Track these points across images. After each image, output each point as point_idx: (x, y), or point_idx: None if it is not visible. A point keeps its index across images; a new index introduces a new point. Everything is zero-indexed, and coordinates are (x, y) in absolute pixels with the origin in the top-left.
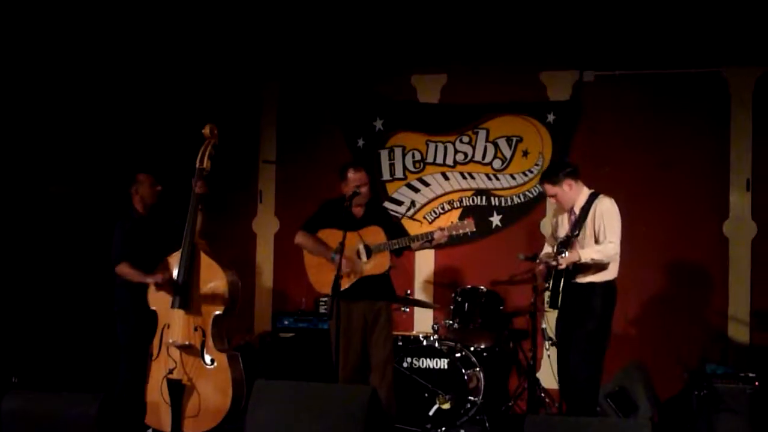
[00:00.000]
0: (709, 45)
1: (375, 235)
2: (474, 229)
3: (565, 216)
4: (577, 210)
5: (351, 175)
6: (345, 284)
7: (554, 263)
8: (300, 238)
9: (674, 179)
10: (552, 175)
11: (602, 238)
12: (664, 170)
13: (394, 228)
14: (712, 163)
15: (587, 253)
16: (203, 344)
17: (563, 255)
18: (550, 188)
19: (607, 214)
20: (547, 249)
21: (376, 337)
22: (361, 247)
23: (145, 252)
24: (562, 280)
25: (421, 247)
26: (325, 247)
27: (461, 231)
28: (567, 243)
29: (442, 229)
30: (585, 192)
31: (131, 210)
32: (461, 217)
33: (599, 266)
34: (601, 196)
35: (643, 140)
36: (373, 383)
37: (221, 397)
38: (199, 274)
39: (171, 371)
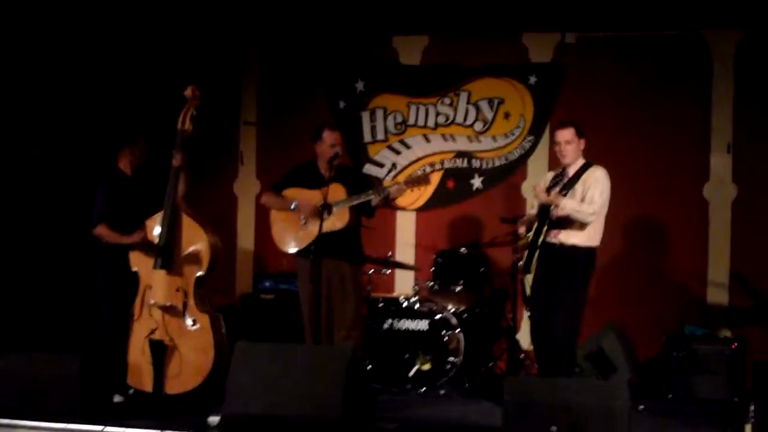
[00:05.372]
0: (692, 6)
1: (336, 192)
2: (429, 182)
3: (549, 177)
4: (570, 172)
5: (327, 135)
6: (306, 241)
7: (543, 196)
8: (264, 198)
9: (655, 142)
10: (580, 126)
11: (587, 202)
12: (646, 133)
13: (359, 187)
14: (693, 126)
15: (568, 202)
16: (185, 305)
17: (555, 190)
18: (571, 135)
19: (597, 181)
20: (531, 212)
21: (342, 300)
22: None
23: (128, 213)
24: (539, 244)
25: (381, 203)
26: (284, 200)
27: (417, 184)
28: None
29: (398, 183)
30: (581, 159)
31: (116, 171)
32: (442, 180)
33: (585, 229)
34: (594, 165)
35: (624, 103)
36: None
37: (203, 358)
38: (180, 236)
39: (153, 331)
